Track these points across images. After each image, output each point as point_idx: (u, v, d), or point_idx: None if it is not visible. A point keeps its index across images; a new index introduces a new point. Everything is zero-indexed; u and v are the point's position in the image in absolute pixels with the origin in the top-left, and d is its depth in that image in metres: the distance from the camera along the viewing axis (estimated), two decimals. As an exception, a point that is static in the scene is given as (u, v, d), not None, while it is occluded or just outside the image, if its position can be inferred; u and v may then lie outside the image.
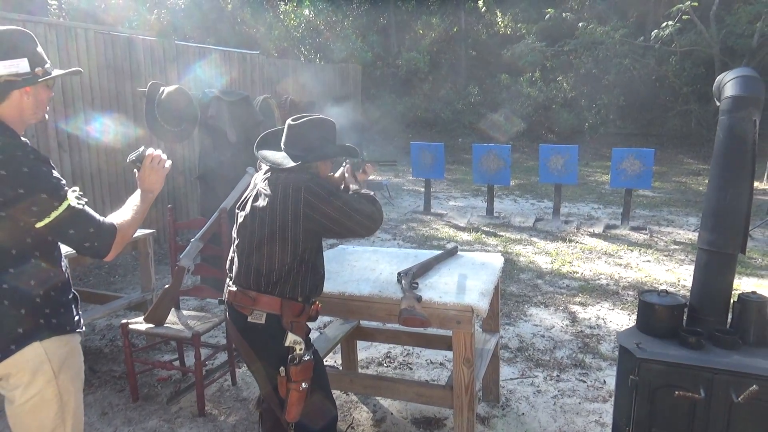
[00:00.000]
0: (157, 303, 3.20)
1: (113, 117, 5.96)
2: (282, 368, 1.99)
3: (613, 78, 15.86)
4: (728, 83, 2.34)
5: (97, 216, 1.71)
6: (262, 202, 2.05)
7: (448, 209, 8.73)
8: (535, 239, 7.00)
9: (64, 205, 1.61)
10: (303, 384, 1.99)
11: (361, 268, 2.86)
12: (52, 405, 1.74)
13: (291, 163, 2.08)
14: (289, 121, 2.21)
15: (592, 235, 7.20)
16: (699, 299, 2.35)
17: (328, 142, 2.19)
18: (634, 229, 7.38)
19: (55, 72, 1.76)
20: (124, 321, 3.26)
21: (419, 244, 6.75)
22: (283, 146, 2.20)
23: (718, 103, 2.42)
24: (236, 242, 2.15)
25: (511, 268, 5.74)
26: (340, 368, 3.56)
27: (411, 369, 3.74)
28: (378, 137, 15.81)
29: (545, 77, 16.57)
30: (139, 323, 3.23)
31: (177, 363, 3.58)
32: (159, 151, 1.90)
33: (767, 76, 11.02)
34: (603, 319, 4.49)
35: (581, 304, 4.82)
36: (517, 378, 3.56)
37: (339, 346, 3.42)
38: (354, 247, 3.37)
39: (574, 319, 4.50)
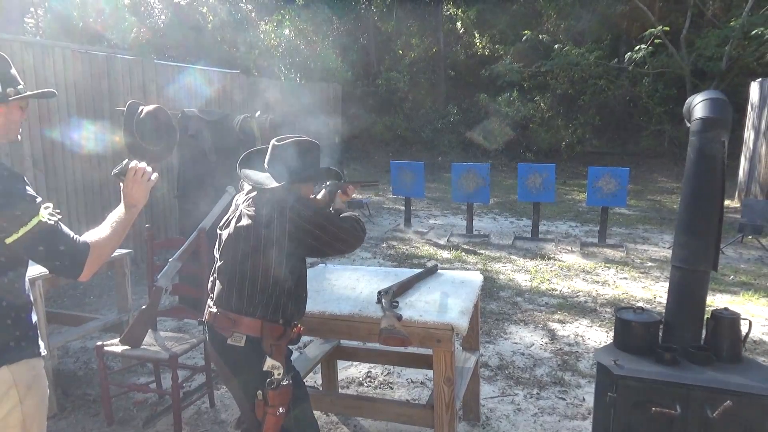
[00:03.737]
0: (133, 324, 3.15)
1: (90, 136, 5.90)
2: (260, 392, 1.97)
3: (588, 98, 16.23)
4: (697, 105, 2.42)
5: (70, 233, 1.66)
6: (245, 223, 2.04)
7: (428, 227, 8.77)
8: (514, 257, 7.06)
9: (34, 221, 1.57)
10: (280, 409, 1.97)
11: (341, 287, 2.86)
12: (17, 428, 1.69)
13: (274, 184, 2.08)
14: (273, 141, 2.20)
15: (570, 252, 7.29)
16: (673, 316, 2.39)
17: (311, 164, 2.19)
18: (610, 246, 7.49)
19: (27, 92, 1.73)
20: (99, 343, 3.19)
21: (399, 262, 6.76)
22: (266, 166, 2.19)
23: (688, 124, 2.50)
24: (218, 263, 2.13)
25: (490, 285, 5.77)
26: (321, 388, 3.53)
27: (392, 388, 3.72)
28: (358, 156, 15.88)
29: (523, 97, 16.86)
30: (114, 345, 3.17)
31: (153, 385, 3.52)
32: (143, 164, 1.86)
33: (736, 97, 11.38)
34: (581, 336, 4.53)
35: (560, 321, 4.86)
36: (498, 396, 3.56)
37: (319, 365, 3.40)
38: (334, 265, 3.36)
39: (553, 336, 4.53)
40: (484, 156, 15.49)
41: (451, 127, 16.76)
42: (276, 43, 17.63)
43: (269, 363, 1.97)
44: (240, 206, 2.14)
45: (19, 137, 1.79)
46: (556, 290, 5.72)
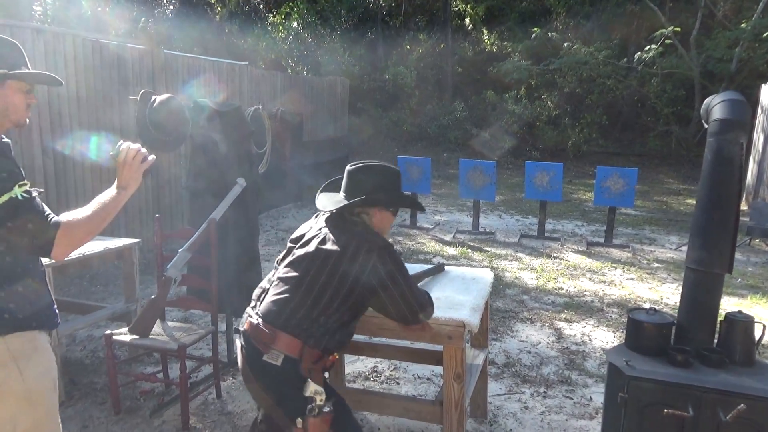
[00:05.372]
0: (142, 314, 3.15)
1: (100, 124, 5.90)
2: (299, 419, 1.86)
3: (596, 97, 16.14)
4: (716, 106, 2.40)
5: (44, 212, 1.64)
6: (329, 249, 1.97)
7: (434, 224, 8.76)
8: (520, 255, 7.04)
9: (5, 197, 1.56)
10: None
11: (351, 281, 2.85)
12: (19, 400, 1.70)
13: (340, 204, 2.06)
14: (348, 167, 2.17)
15: (577, 252, 7.27)
16: (687, 317, 2.38)
17: (387, 187, 2.13)
18: (617, 246, 7.47)
19: (22, 70, 1.71)
20: (108, 332, 3.20)
21: (405, 258, 6.75)
22: (342, 193, 2.16)
23: (706, 125, 2.48)
24: (278, 274, 2.07)
25: (497, 283, 5.76)
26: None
27: (398, 383, 3.72)
28: (364, 150, 15.85)
29: (530, 95, 16.79)
30: (123, 334, 3.17)
31: (161, 375, 3.53)
32: (137, 146, 1.83)
33: (746, 99, 11.33)
34: (588, 336, 4.52)
35: (567, 320, 4.85)
36: (505, 394, 3.56)
37: (326, 359, 3.40)
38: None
39: (559, 335, 4.53)
40: (491, 153, 15.44)
41: (457, 124, 16.70)
42: (284, 35, 17.61)
43: (312, 388, 1.87)
44: (323, 229, 2.07)
45: (28, 120, 1.79)
46: (563, 289, 5.70)
